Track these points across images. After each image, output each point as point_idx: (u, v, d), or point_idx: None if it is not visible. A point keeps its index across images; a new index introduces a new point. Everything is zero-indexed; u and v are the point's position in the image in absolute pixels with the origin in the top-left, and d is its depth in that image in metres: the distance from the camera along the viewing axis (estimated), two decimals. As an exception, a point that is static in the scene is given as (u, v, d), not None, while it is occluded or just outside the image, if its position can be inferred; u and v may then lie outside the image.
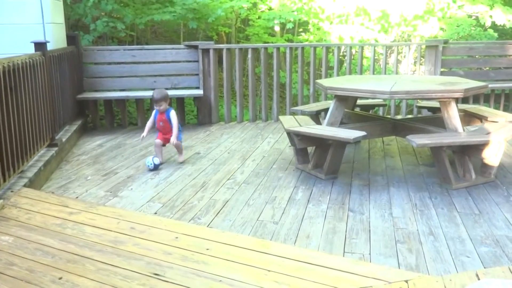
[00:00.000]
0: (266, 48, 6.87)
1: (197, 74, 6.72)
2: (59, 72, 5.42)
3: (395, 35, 9.25)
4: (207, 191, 4.04)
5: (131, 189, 4.09)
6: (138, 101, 6.67)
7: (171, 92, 6.54)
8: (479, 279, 2.32)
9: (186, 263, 2.63)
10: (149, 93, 6.56)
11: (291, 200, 3.83)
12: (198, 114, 6.93)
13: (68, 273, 2.52)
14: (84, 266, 2.59)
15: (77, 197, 3.86)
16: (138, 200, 3.83)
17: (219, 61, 7.08)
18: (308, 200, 3.82)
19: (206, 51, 6.63)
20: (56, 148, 4.69)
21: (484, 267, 2.70)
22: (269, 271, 2.54)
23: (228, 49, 6.84)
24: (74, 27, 7.94)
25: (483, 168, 4.16)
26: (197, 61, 6.69)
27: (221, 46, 6.94)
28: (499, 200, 3.76)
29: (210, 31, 9.04)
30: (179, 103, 6.71)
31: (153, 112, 4.86)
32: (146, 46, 7.10)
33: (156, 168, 4.62)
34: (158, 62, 6.76)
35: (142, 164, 4.80)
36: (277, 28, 9.19)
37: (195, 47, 6.69)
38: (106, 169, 4.67)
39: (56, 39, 5.80)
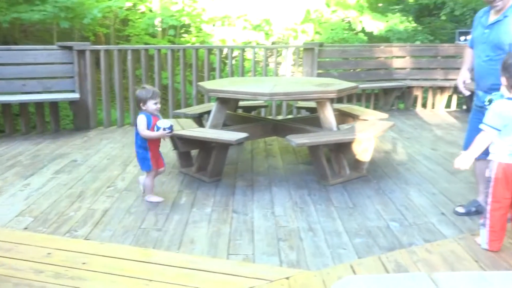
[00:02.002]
0: (146, 50, 6.69)
1: (72, 77, 6.34)
2: None
3: (275, 38, 9.55)
4: (85, 201, 3.82)
5: (-2, 203, 3.73)
6: (5, 106, 6.12)
7: (43, 96, 6.12)
8: (353, 270, 2.45)
9: (60, 280, 2.45)
10: (18, 98, 6.07)
11: (174, 205, 3.76)
12: (75, 119, 6.55)
13: None
14: None
15: None
16: (5, 215, 3.49)
17: (97, 63, 6.75)
18: (192, 204, 3.78)
19: (82, 53, 6.29)
20: None
21: (359, 258, 2.85)
22: (150, 280, 2.46)
23: (106, 51, 6.55)
24: None
25: (356, 163, 4.43)
26: (72, 63, 6.31)
27: (98, 47, 6.63)
28: (371, 193, 4.02)
29: (87, 31, 8.61)
30: (53, 108, 6.28)
31: (142, 119, 3.64)
32: (13, 47, 6.55)
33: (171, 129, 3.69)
34: (28, 64, 6.26)
35: (10, 175, 4.41)
36: (158, 29, 9.02)
37: (70, 48, 6.31)
38: (-32, 182, 4.22)
39: None
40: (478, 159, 3.41)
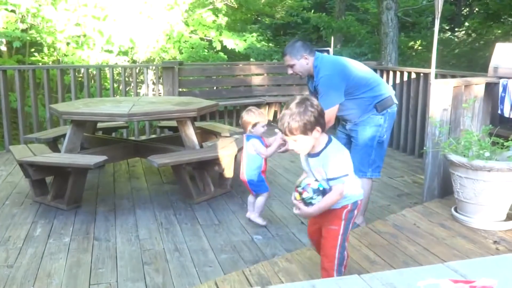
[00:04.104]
0: (-11, 71, 6.11)
1: None
2: None
3: (136, 57, 9.38)
4: None
5: None
6: None
7: None
8: (217, 286, 2.47)
9: None
10: None
11: (28, 238, 3.47)
12: None
13: None
14: None
15: None
16: None
17: None
18: (49, 235, 3.53)
19: None
20: None
21: (224, 274, 2.89)
22: (-1, 325, 2.23)
23: None
24: None
25: (220, 180, 4.50)
26: None
27: None
28: (235, 208, 4.10)
29: None
30: None
31: (258, 142, 3.58)
32: None
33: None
34: None
35: None
36: (3, 48, 8.31)
37: None
38: None
39: None
40: None
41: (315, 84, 3.39)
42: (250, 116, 3.60)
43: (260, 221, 3.70)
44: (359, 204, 2.41)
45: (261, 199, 3.69)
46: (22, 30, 7.94)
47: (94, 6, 7.85)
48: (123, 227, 3.70)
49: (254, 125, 3.60)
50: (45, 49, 8.77)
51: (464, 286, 1.06)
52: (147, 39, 8.35)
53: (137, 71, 7.46)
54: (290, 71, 3.45)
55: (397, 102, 3.52)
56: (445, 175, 3.76)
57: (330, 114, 3.25)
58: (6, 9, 7.65)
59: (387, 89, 3.47)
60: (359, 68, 3.43)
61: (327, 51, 7.74)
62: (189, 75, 7.82)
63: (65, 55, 8.43)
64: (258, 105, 8.03)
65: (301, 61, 3.36)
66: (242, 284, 2.47)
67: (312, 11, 12.74)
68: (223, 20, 11.23)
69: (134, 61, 9.53)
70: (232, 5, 11.66)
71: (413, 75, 5.84)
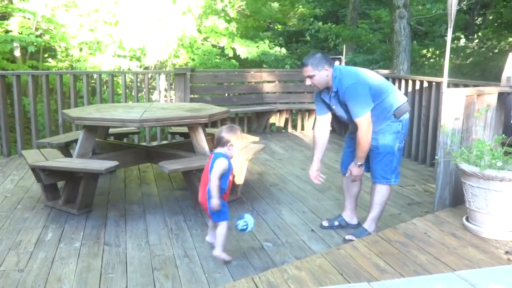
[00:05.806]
0: (3, 77, 6.18)
1: None
2: None
3: (149, 63, 9.45)
4: None
5: None
6: None
7: None
8: (227, 294, 2.46)
9: None
10: None
11: (39, 242, 3.49)
12: None
13: None
14: None
15: None
16: None
17: None
18: (60, 240, 3.55)
19: None
20: None
21: (234, 280, 2.89)
22: (9, 328, 2.25)
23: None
24: None
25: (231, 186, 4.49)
26: None
27: None
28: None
29: None
30: None
31: (224, 163, 3.12)
32: None
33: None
34: None
35: None
36: (17, 53, 8.41)
37: None
38: None
39: None
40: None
41: (337, 95, 3.37)
42: (231, 136, 3.16)
43: (225, 256, 3.17)
44: None
45: (221, 230, 3.16)
46: (37, 36, 8.03)
47: (107, 12, 7.93)
48: (133, 232, 3.72)
49: (231, 145, 3.16)
50: (59, 55, 8.86)
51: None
52: (158, 42, 8.39)
53: (149, 77, 7.51)
54: (308, 82, 3.42)
55: (410, 108, 3.55)
56: (456, 185, 3.73)
57: (367, 120, 3.29)
58: (24, 17, 7.76)
59: (401, 96, 3.50)
60: (374, 78, 3.45)
61: (339, 59, 7.73)
62: (200, 82, 7.87)
63: (78, 60, 8.52)
64: (269, 112, 8.07)
65: (322, 73, 3.35)
66: (251, 291, 2.47)
67: (321, 22, 12.76)
68: (234, 27, 11.27)
69: (146, 68, 9.60)
70: (244, 12, 11.71)
71: (425, 84, 5.81)
